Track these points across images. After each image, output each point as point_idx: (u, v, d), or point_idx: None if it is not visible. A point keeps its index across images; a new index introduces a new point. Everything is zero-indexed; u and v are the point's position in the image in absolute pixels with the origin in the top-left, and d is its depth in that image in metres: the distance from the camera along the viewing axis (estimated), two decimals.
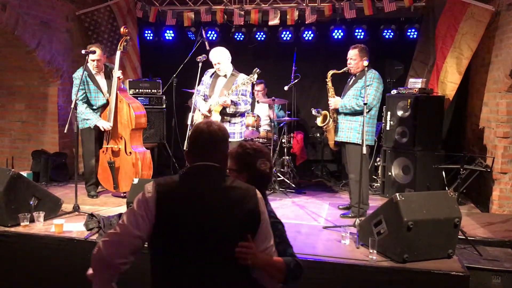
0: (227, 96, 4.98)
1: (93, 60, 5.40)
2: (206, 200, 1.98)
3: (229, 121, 5.14)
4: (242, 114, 5.23)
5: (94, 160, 5.65)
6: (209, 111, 5.10)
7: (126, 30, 5.52)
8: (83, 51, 5.20)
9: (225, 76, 5.20)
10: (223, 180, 2.05)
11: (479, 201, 5.82)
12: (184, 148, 5.10)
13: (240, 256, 1.93)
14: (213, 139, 2.11)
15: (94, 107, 5.55)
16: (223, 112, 5.06)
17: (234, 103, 5.03)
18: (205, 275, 1.94)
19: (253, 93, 7.00)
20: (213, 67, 5.25)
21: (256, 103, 7.20)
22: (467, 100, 6.73)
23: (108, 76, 5.64)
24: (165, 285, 1.98)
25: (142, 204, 1.97)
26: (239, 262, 1.95)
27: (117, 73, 5.41)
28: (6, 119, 7.02)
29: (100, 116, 5.53)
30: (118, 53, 5.49)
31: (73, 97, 5.21)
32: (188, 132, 5.12)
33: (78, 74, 5.41)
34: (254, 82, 5.12)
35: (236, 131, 5.20)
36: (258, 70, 4.99)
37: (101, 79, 5.61)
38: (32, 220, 4.29)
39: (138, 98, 6.54)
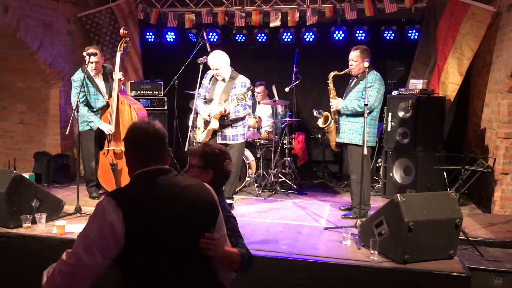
0: (226, 106, 4.98)
1: (92, 62, 5.37)
2: (172, 205, 1.92)
3: (231, 125, 5.15)
4: (243, 118, 5.24)
5: (94, 162, 5.65)
6: (209, 116, 5.11)
7: (126, 32, 5.50)
8: (84, 53, 5.21)
9: (223, 80, 5.20)
10: (179, 180, 2.03)
11: (481, 202, 5.82)
12: (186, 149, 5.11)
13: (205, 247, 1.99)
14: (161, 139, 2.05)
15: (94, 109, 5.56)
16: (222, 117, 5.06)
17: (234, 111, 5.04)
18: (177, 276, 1.93)
19: (253, 95, 7.02)
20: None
21: (257, 104, 7.22)
22: (468, 101, 6.73)
23: (107, 78, 5.65)
24: None
25: (104, 229, 1.80)
26: (203, 254, 1.98)
27: (118, 75, 5.41)
28: (8, 120, 7.03)
29: (100, 118, 5.54)
30: (118, 55, 5.47)
31: (73, 100, 5.23)
32: (189, 134, 5.14)
33: (77, 77, 5.43)
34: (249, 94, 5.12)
35: (239, 133, 5.21)
36: (251, 87, 5.03)
37: (99, 81, 5.62)
38: (34, 222, 4.30)
39: (140, 100, 6.56)
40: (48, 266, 1.98)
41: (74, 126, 4.86)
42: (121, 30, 5.56)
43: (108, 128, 5.43)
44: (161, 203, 1.90)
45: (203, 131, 5.21)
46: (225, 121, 5.09)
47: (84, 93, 5.43)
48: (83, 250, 1.80)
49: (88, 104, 5.52)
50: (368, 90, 4.74)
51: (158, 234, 1.87)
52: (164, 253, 1.89)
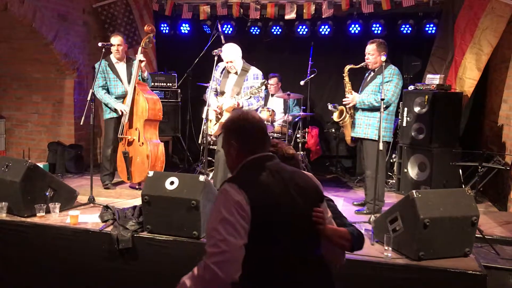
0: (239, 99, 4.95)
1: (114, 45, 5.54)
2: (286, 188, 1.99)
3: None
4: (255, 110, 5.21)
5: (111, 150, 5.72)
6: (220, 108, 5.09)
7: (150, 28, 5.60)
8: (99, 44, 5.22)
9: (236, 73, 5.16)
10: (284, 166, 2.12)
11: (497, 199, 5.74)
12: (200, 141, 5.10)
13: (317, 221, 2.04)
14: (265, 127, 2.14)
15: (114, 96, 5.63)
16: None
17: (247, 104, 5.01)
18: (300, 261, 1.98)
19: (266, 87, 6.98)
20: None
21: (270, 97, 7.18)
22: (486, 97, 6.63)
23: (130, 67, 5.71)
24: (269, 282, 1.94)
25: (235, 209, 1.84)
26: (317, 229, 2.05)
27: (139, 56, 5.50)
28: (23, 111, 7.09)
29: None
30: (139, 49, 5.60)
31: (94, 87, 5.42)
32: (203, 126, 5.12)
33: (97, 63, 5.54)
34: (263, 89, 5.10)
35: None
36: (265, 81, 5.00)
37: (122, 68, 5.69)
38: (48, 211, 4.32)
39: (154, 92, 6.57)
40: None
41: (88, 117, 4.88)
42: (146, 27, 5.68)
43: (122, 107, 5.52)
44: (277, 185, 1.97)
45: (215, 123, 5.20)
46: None
47: (104, 79, 5.59)
48: (227, 234, 1.81)
49: (108, 91, 5.65)
50: (386, 84, 4.68)
51: (280, 215, 1.93)
52: (286, 235, 1.94)
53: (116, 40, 5.55)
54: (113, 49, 5.58)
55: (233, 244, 1.80)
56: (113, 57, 5.66)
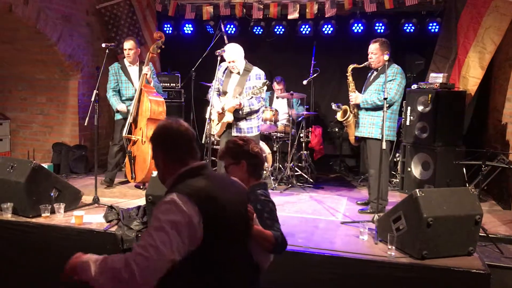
0: (241, 99, 4.96)
1: (125, 49, 5.83)
2: (227, 194, 2.01)
3: (245, 118, 5.13)
4: (257, 110, 5.22)
5: (118, 148, 5.90)
6: (223, 109, 5.10)
7: (158, 35, 5.76)
8: (103, 45, 5.26)
9: (238, 73, 5.17)
10: (215, 173, 2.17)
11: (501, 198, 5.72)
12: (203, 141, 5.12)
13: (250, 217, 2.17)
14: (193, 136, 2.08)
15: (124, 98, 5.89)
16: (237, 110, 5.05)
17: (248, 104, 5.02)
18: (243, 264, 2.07)
19: (271, 88, 7.00)
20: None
21: (275, 98, 7.19)
22: (489, 96, 6.60)
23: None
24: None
25: (182, 222, 1.77)
26: (249, 225, 2.16)
27: (144, 69, 5.68)
28: (28, 111, 7.12)
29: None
30: (148, 55, 5.76)
31: (107, 86, 5.86)
32: (206, 126, 5.13)
33: (111, 66, 5.88)
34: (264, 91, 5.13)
35: (254, 126, 5.19)
36: (267, 82, 5.01)
37: (134, 71, 5.91)
38: (52, 212, 4.35)
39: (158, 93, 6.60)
40: (65, 255, 1.96)
41: (92, 117, 4.91)
42: (155, 34, 5.88)
43: (122, 107, 5.78)
44: (219, 191, 1.96)
45: (217, 123, 5.21)
46: (239, 114, 5.08)
47: (116, 81, 5.86)
48: (161, 243, 1.74)
49: (119, 93, 5.91)
50: (389, 83, 4.68)
51: (228, 219, 1.94)
52: (235, 239, 1.99)
53: (128, 44, 5.81)
54: (125, 52, 5.84)
55: (162, 255, 1.73)
56: (126, 61, 5.91)
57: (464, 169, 5.58)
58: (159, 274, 1.74)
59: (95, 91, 5.04)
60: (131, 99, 5.79)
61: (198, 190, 1.88)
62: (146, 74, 5.65)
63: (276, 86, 7.06)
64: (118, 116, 5.91)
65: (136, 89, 5.74)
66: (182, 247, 1.78)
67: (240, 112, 5.03)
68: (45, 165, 4.97)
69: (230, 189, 2.07)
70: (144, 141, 5.49)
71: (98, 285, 1.79)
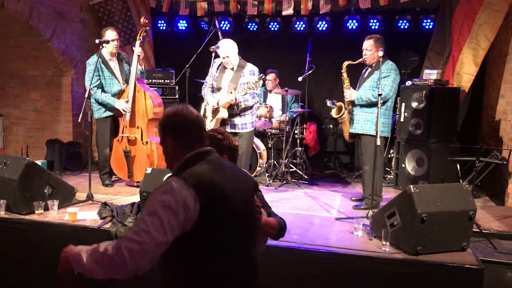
0: (236, 95, 4.95)
1: (113, 40, 5.41)
2: (230, 179, 2.01)
3: (239, 114, 5.13)
4: (251, 106, 5.21)
5: (109, 150, 5.68)
6: (217, 105, 5.09)
7: (146, 21, 5.45)
8: (97, 41, 5.20)
9: (232, 69, 5.16)
10: (222, 159, 2.14)
11: (494, 194, 5.75)
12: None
13: (258, 211, 2.19)
14: (202, 122, 2.11)
15: (110, 94, 5.54)
16: (231, 106, 5.04)
17: (243, 100, 5.02)
18: (248, 249, 2.07)
19: (264, 82, 6.98)
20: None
21: (268, 93, 7.18)
22: (483, 92, 6.63)
23: (122, 64, 5.66)
24: (220, 273, 1.94)
25: (176, 206, 1.80)
26: (256, 219, 2.16)
27: (137, 49, 5.38)
28: (21, 108, 7.08)
29: None
30: (137, 43, 5.44)
31: (87, 84, 5.29)
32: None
33: (92, 61, 5.39)
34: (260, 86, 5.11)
35: (248, 122, 5.18)
36: (263, 76, 4.98)
37: (115, 65, 5.61)
38: (46, 208, 4.33)
39: (151, 88, 6.56)
40: (59, 252, 1.95)
41: (86, 114, 4.85)
42: (142, 19, 5.51)
43: (123, 105, 5.40)
44: (222, 178, 1.97)
45: (211, 120, 5.20)
46: (233, 110, 5.07)
47: (98, 77, 5.43)
48: (153, 227, 1.77)
49: (103, 89, 5.51)
50: (384, 80, 4.69)
51: (228, 207, 1.93)
52: (235, 227, 1.97)
53: (113, 34, 5.42)
54: (112, 43, 5.41)
55: (154, 239, 1.76)
56: (105, 54, 5.48)
57: (458, 165, 5.60)
58: (153, 258, 1.79)
59: (88, 88, 5.00)
60: (115, 95, 5.53)
61: (197, 174, 1.91)
62: (140, 56, 5.38)
63: (266, 76, 7.00)
64: (103, 114, 5.57)
65: (120, 84, 5.56)
66: (176, 228, 1.80)
67: (236, 107, 5.03)
68: (38, 162, 4.92)
69: (236, 177, 2.07)
70: (146, 142, 5.43)
71: (91, 273, 1.81)
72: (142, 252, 1.75)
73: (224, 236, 1.93)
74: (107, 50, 5.49)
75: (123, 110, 5.43)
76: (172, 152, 2.06)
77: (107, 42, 5.31)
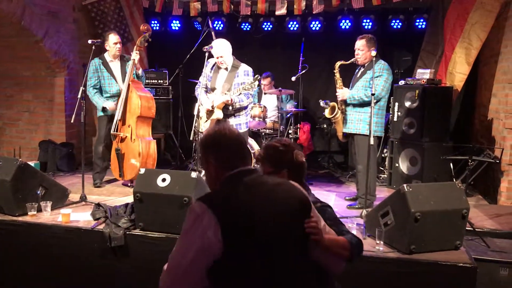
0: (231, 95, 4.95)
1: (115, 43, 5.58)
2: (263, 204, 1.86)
3: (233, 114, 5.13)
4: (245, 107, 5.21)
5: (103, 147, 5.71)
6: (212, 106, 5.09)
7: (145, 27, 5.57)
8: (89, 41, 5.19)
9: (226, 69, 5.16)
10: (266, 179, 2.01)
11: (487, 192, 5.79)
12: (191, 138, 5.09)
13: (311, 232, 1.92)
14: (243, 141, 2.03)
15: (108, 95, 5.63)
16: (226, 107, 5.04)
17: (238, 100, 5.02)
18: (281, 276, 1.86)
19: (259, 85, 6.99)
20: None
21: (263, 94, 7.18)
22: (476, 91, 6.67)
23: (124, 65, 5.71)
24: None
25: (196, 231, 1.76)
26: (311, 240, 1.93)
27: (133, 55, 5.49)
28: (14, 109, 7.04)
29: (116, 103, 5.58)
30: (135, 48, 5.55)
31: (87, 84, 5.47)
32: (194, 123, 5.11)
33: (91, 62, 5.53)
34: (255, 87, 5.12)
35: (242, 122, 5.19)
36: (258, 77, 4.99)
37: (116, 67, 5.68)
38: (39, 210, 4.30)
39: (146, 89, 6.55)
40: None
41: (79, 115, 4.85)
42: (142, 26, 5.65)
43: (109, 104, 5.54)
44: (252, 202, 1.85)
45: (206, 120, 5.20)
46: (228, 110, 5.07)
47: (97, 78, 5.58)
48: (180, 255, 1.80)
49: (101, 89, 5.64)
50: (376, 79, 4.70)
51: (254, 232, 1.80)
52: (263, 252, 1.81)
53: (116, 38, 5.59)
54: (114, 47, 5.58)
55: (180, 266, 1.77)
56: (107, 56, 5.66)
57: (451, 164, 5.63)
58: (190, 284, 1.78)
59: (81, 88, 4.97)
60: (115, 95, 5.61)
61: (222, 200, 1.84)
62: (135, 60, 5.46)
63: (262, 81, 7.04)
64: (100, 113, 5.69)
65: (119, 85, 5.60)
66: (201, 253, 1.76)
67: (231, 108, 5.02)
68: (31, 163, 4.90)
69: (274, 199, 1.90)
70: (134, 139, 5.43)
71: None
72: (174, 281, 1.78)
73: (252, 264, 1.80)
74: (110, 53, 5.65)
75: (109, 108, 5.54)
76: (214, 172, 1.99)
77: (100, 42, 5.35)
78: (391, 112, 6.05)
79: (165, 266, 1.84)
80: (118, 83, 5.65)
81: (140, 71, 5.68)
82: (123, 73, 5.65)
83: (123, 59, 5.74)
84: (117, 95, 5.62)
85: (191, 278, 1.77)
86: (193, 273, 1.77)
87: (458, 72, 6.09)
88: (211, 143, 2.00)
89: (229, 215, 1.78)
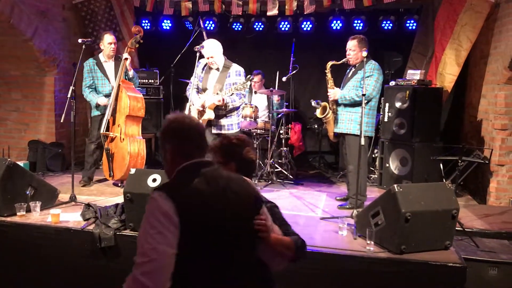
0: (222, 96, 4.94)
1: (110, 44, 5.61)
2: (220, 196, 1.89)
3: (225, 115, 5.12)
4: (237, 107, 5.21)
5: (95, 146, 5.71)
6: (203, 106, 5.07)
7: (137, 29, 5.62)
8: (79, 40, 5.17)
9: (217, 69, 5.15)
10: (221, 172, 2.00)
11: (476, 193, 5.83)
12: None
13: (260, 228, 1.95)
14: (202, 132, 2.04)
15: (100, 95, 5.66)
16: (218, 107, 5.02)
17: (230, 101, 5.01)
18: (233, 269, 1.90)
19: (250, 84, 6.97)
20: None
21: (253, 93, 7.17)
22: (466, 92, 6.72)
23: (118, 65, 5.68)
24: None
25: (163, 219, 1.75)
26: (257, 237, 1.96)
27: (125, 55, 5.53)
28: (2, 108, 6.98)
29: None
30: (126, 49, 5.63)
31: (83, 84, 5.60)
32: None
33: (86, 63, 5.63)
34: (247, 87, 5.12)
35: (234, 122, 5.18)
36: (251, 77, 5.00)
37: (110, 67, 5.71)
38: (28, 210, 4.27)
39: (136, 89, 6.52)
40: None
41: (69, 114, 4.83)
42: (133, 28, 5.73)
43: (102, 100, 5.57)
44: (211, 193, 1.87)
45: None
46: (220, 111, 5.06)
47: (91, 78, 5.64)
48: (156, 242, 1.74)
49: (95, 89, 5.69)
50: (367, 79, 4.72)
51: (210, 224, 1.83)
52: (218, 245, 1.84)
53: (110, 38, 5.63)
54: (109, 47, 5.61)
55: (162, 253, 1.73)
56: (101, 56, 5.70)
57: (441, 164, 5.66)
58: (168, 273, 1.74)
59: (71, 87, 4.95)
60: (108, 95, 5.61)
61: (181, 189, 1.84)
62: (127, 60, 5.48)
63: (252, 79, 7.02)
64: (94, 113, 5.72)
65: (113, 86, 5.59)
66: (175, 237, 1.76)
67: (223, 108, 5.01)
68: (20, 163, 4.86)
69: (230, 192, 1.92)
70: (123, 139, 5.41)
71: None
72: (157, 270, 1.73)
73: (207, 256, 1.83)
74: (104, 53, 5.69)
75: (102, 103, 5.57)
76: (170, 159, 2.00)
77: (90, 41, 5.36)
78: (381, 113, 6.07)
79: (139, 259, 1.77)
80: (111, 83, 5.65)
81: (131, 72, 5.67)
82: (117, 73, 5.63)
83: (118, 59, 5.73)
84: (109, 95, 5.59)
85: (170, 264, 1.75)
86: (170, 258, 1.75)
87: (448, 73, 6.12)
88: (169, 130, 2.01)
89: (188, 206, 1.79)
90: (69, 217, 4.26)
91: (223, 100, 4.93)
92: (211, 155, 2.45)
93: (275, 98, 6.98)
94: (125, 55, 5.54)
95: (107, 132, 5.49)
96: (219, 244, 1.85)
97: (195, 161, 1.95)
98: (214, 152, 2.44)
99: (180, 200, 1.79)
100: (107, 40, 5.61)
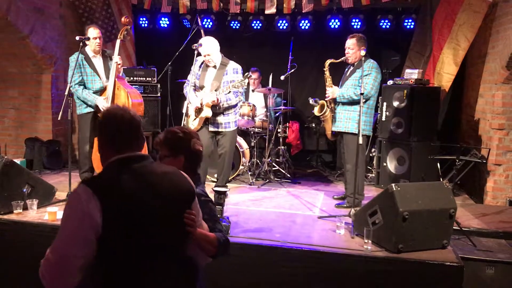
0: (218, 94, 4.93)
1: (95, 38, 5.32)
2: (148, 192, 1.87)
3: (222, 113, 5.11)
4: (234, 105, 5.20)
5: (89, 147, 5.57)
6: (201, 104, 5.06)
7: (127, 20, 5.36)
8: (77, 38, 5.12)
9: (214, 67, 5.14)
10: (155, 167, 1.99)
11: (474, 192, 5.84)
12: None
13: (188, 223, 1.97)
14: (137, 126, 2.00)
15: (91, 91, 5.40)
16: (215, 105, 5.01)
17: (226, 99, 5.00)
18: (160, 263, 1.89)
19: (248, 82, 6.95)
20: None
21: (251, 92, 7.17)
22: (463, 92, 6.73)
23: (107, 61, 5.55)
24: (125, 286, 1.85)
25: (83, 218, 1.73)
26: (186, 231, 1.97)
27: (115, 58, 5.26)
28: None
29: None
30: (118, 41, 5.32)
31: (68, 81, 5.20)
32: (183, 122, 5.08)
33: (73, 57, 5.30)
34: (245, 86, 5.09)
35: (231, 121, 5.17)
36: (248, 74, 4.97)
37: (98, 62, 5.47)
38: (25, 208, 4.26)
39: (133, 86, 6.49)
40: (39, 252, 1.93)
41: (66, 112, 4.77)
42: (123, 19, 5.39)
43: (103, 104, 5.28)
44: (138, 189, 1.85)
45: (194, 119, 5.16)
46: (217, 109, 5.05)
47: (80, 74, 5.32)
48: (63, 243, 1.75)
49: (85, 86, 5.38)
50: (365, 78, 4.72)
51: (135, 221, 1.81)
52: (142, 242, 1.83)
53: (95, 32, 5.32)
54: (94, 41, 5.33)
55: (66, 255, 1.73)
56: (89, 51, 5.42)
57: (438, 164, 5.67)
58: (73, 273, 1.73)
59: (68, 85, 4.92)
60: (97, 92, 5.39)
61: (107, 186, 1.82)
62: (118, 63, 5.26)
63: (250, 76, 6.99)
64: (83, 110, 5.42)
65: (102, 82, 5.41)
66: (86, 240, 1.74)
67: (218, 107, 5.00)
68: (17, 161, 4.84)
69: (161, 187, 1.91)
70: None
71: None
72: (57, 268, 1.73)
73: (130, 256, 1.81)
74: (90, 48, 5.40)
75: (102, 108, 5.32)
76: (101, 151, 1.99)
77: (88, 39, 5.24)
78: (379, 112, 6.07)
79: (48, 251, 1.79)
80: (101, 80, 5.44)
81: (120, 74, 5.54)
82: (106, 69, 5.46)
83: (105, 54, 5.54)
84: (99, 92, 5.43)
85: (74, 266, 1.73)
86: (79, 259, 1.74)
87: (445, 73, 6.13)
88: (103, 121, 2.00)
89: (111, 204, 1.77)
90: None
91: (218, 99, 4.92)
92: (157, 148, 2.45)
93: (270, 101, 6.89)
94: (116, 58, 5.27)
95: None
96: (143, 243, 1.84)
97: (126, 155, 1.92)
98: (159, 146, 2.42)
99: (105, 199, 1.76)
100: (92, 35, 5.30)
